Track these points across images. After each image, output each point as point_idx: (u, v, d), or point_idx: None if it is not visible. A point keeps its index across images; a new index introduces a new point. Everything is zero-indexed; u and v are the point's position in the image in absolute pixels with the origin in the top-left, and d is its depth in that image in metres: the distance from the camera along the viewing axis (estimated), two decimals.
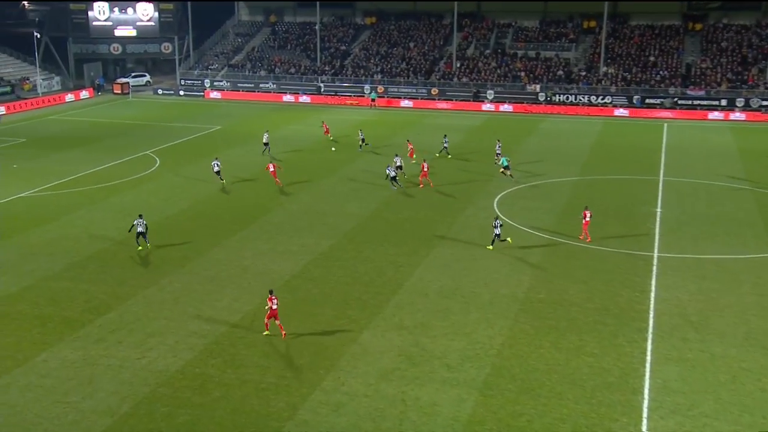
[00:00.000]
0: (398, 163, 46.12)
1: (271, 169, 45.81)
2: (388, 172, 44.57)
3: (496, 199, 42.93)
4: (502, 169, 46.43)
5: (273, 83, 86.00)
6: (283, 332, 26.61)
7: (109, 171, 50.34)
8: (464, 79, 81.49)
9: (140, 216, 35.33)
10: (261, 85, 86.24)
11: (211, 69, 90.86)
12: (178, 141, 60.40)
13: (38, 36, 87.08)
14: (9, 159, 53.60)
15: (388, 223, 38.75)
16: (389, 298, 29.75)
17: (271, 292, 26.61)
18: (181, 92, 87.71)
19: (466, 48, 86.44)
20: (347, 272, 32.34)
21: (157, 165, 52.09)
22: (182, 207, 42.02)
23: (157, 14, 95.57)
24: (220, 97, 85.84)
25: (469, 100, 79.14)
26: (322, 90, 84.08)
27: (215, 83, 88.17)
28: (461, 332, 27.03)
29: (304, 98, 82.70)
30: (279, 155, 54.29)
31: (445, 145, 53.51)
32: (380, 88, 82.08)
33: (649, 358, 25.32)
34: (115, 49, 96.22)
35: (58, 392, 23.26)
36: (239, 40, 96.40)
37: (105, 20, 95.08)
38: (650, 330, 27.19)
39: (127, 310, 28.78)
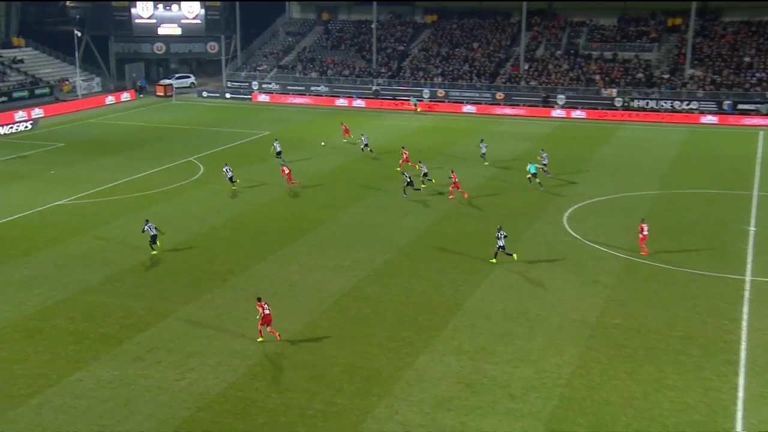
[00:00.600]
0: (424, 170, 47.15)
1: (286, 171, 47.44)
2: (405, 177, 45.20)
3: (566, 214, 42.50)
4: (529, 176, 47.29)
5: (325, 86, 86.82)
6: (278, 335, 27.81)
7: (150, 178, 51.22)
8: (532, 83, 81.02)
9: (147, 221, 36.89)
10: (312, 88, 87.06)
11: (259, 70, 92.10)
12: (224, 147, 61.23)
13: (79, 34, 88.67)
14: (47, 164, 55.06)
15: (447, 238, 38.66)
16: (448, 320, 29.64)
17: (259, 299, 28.18)
18: (227, 95, 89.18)
19: (535, 49, 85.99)
20: (402, 291, 32.33)
21: (200, 172, 52.77)
22: (226, 217, 42.47)
23: (203, 12, 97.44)
24: (268, 100, 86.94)
25: (537, 106, 78.65)
26: (378, 93, 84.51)
27: (263, 85, 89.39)
28: (526, 359, 26.78)
29: (359, 102, 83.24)
30: (330, 163, 54.74)
31: (483, 151, 53.87)
32: (440, 92, 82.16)
33: (741, 395, 24.67)
34: (159, 48, 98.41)
35: (93, 414, 23.63)
36: (290, 39, 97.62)
37: (148, 18, 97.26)
38: (742, 363, 26.50)
39: (167, 327, 29.16)
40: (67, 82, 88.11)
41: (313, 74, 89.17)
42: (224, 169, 48.18)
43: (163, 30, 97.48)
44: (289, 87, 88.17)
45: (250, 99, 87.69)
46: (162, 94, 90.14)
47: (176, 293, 32.24)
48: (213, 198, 46.41)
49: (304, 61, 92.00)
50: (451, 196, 45.08)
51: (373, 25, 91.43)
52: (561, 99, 78.52)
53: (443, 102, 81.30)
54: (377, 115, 76.80)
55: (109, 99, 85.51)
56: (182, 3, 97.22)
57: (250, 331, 28.68)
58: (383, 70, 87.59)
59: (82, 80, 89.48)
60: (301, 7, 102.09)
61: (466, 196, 45.28)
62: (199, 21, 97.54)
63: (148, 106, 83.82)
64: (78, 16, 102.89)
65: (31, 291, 32.57)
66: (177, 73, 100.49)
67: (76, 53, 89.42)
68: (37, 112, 75.53)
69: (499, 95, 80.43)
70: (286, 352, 27.21)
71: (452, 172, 46.03)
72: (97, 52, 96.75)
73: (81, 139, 65.05)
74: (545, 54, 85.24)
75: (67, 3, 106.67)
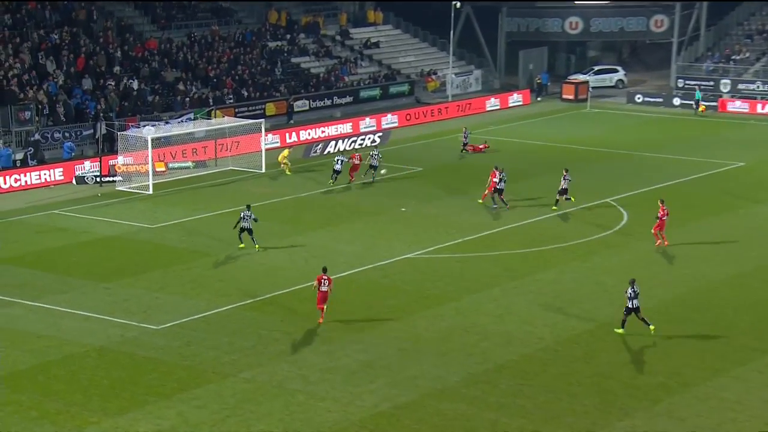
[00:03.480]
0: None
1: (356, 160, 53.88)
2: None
3: None
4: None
5: None
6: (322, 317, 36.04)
7: (543, 227, 51.83)
8: None
9: (248, 207, 43.59)
10: None
11: (734, 62, 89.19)
12: (665, 184, 60.62)
13: (458, 5, 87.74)
14: (396, 197, 57.47)
15: None
16: None
17: (324, 270, 36.30)
18: (676, 101, 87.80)
19: None
20: None
21: (623, 222, 52.73)
22: (657, 299, 41.54)
23: None
24: (747, 110, 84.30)
25: None
26: None
27: (740, 86, 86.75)
28: None
29: None
30: None
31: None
32: None
33: None
34: (573, 25, 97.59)
35: None
36: None
37: None
38: None
39: None
40: (434, 77, 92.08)
41: None
42: (242, 215, 47.20)
43: None
44: None
45: (716, 108, 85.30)
46: (571, 96, 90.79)
47: (576, 411, 31.84)
48: (640, 265, 45.78)
49: None
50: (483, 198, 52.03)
51: None
52: None
53: None
54: None
55: (492, 102, 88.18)
56: None
57: None
58: None
59: (455, 74, 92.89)
60: None
61: (665, 243, 47.17)
62: None
63: (549, 116, 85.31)
64: None
65: (364, 385, 33.60)
66: (597, 64, 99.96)
67: (451, 33, 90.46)
68: (390, 121, 79.75)
69: None
70: None
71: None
72: (480, 31, 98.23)
73: (446, 161, 67.41)
74: None
75: None
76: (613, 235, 50.80)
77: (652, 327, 37.66)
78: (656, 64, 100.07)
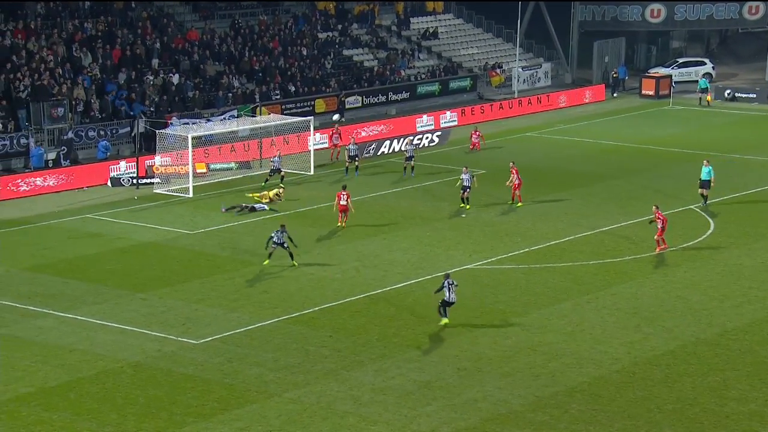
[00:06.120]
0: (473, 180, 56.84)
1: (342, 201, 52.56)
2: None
3: None
4: None
5: None
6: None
7: (618, 236, 51.62)
8: None
9: (282, 227, 45.96)
10: None
11: None
12: (756, 189, 60.85)
13: None
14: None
15: None
16: None
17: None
18: None
19: None
20: None
21: (709, 232, 52.52)
22: (752, 316, 41.40)
23: None
24: None
25: None
26: None
27: None
28: None
29: None
30: None
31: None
32: None
33: None
34: (655, 13, 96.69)
35: None
36: None
37: None
38: None
39: None
40: (498, 71, 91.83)
41: None
42: (272, 235, 46.58)
43: None
44: None
45: None
46: (651, 92, 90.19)
47: None
48: (729, 279, 45.65)
49: None
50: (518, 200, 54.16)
51: None
52: None
53: None
54: None
55: (562, 99, 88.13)
56: None
57: None
58: None
59: (522, 68, 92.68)
60: None
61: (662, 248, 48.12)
62: None
63: (627, 113, 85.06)
64: None
65: (420, 407, 33.49)
66: (682, 56, 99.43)
67: (518, 23, 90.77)
68: (449, 118, 79.78)
69: None
70: None
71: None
72: (550, 21, 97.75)
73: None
74: None
75: None
76: (698, 245, 50.39)
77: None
78: (750, 56, 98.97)
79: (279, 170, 61.37)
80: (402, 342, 38.71)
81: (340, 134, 68.32)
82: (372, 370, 36.26)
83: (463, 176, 55.91)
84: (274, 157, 61.95)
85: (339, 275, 46.01)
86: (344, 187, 52.08)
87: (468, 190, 55.84)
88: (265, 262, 46.56)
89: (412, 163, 63.68)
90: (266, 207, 55.36)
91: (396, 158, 68.02)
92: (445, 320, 39.90)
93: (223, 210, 55.37)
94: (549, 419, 32.79)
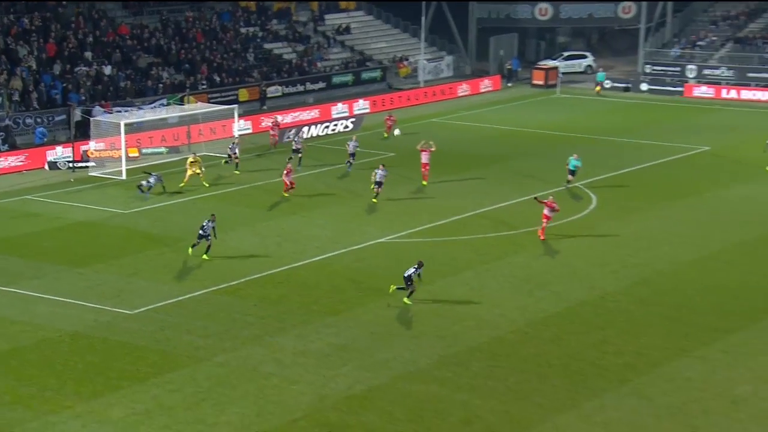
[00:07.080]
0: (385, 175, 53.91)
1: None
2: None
3: None
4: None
5: None
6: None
7: (514, 211, 52.16)
8: None
9: (212, 216, 44.47)
10: None
11: (699, 46, 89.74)
12: (632, 168, 61.19)
13: None
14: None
15: None
16: None
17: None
18: (644, 86, 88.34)
19: None
20: None
21: (591, 206, 53.14)
22: (627, 281, 42.35)
23: None
24: (712, 94, 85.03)
25: None
26: None
27: (705, 72, 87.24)
28: None
29: None
30: None
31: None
32: None
33: None
34: (543, 12, 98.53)
35: None
36: None
37: None
38: None
39: None
40: (405, 63, 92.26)
41: None
42: (204, 225, 44.61)
43: None
44: (749, 75, 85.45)
45: (681, 93, 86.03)
46: (541, 82, 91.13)
47: (545, 392, 32.18)
48: (608, 248, 46.42)
49: None
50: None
51: None
52: None
53: None
54: None
55: (463, 88, 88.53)
56: None
57: None
58: None
59: (427, 60, 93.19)
60: None
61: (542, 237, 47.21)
62: None
63: (520, 101, 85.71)
64: None
65: (336, 368, 33.91)
66: (567, 50, 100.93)
67: (422, 20, 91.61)
68: (361, 106, 79.89)
69: None
70: None
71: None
72: (451, 18, 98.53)
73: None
74: None
75: None
76: (583, 218, 51.11)
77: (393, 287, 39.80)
78: (625, 50, 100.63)
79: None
80: (321, 309, 38.99)
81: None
82: (293, 335, 36.54)
83: (378, 171, 53.73)
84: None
85: (262, 250, 46.19)
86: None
87: (380, 186, 53.56)
88: (189, 251, 44.90)
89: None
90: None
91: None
92: (393, 287, 40.01)
93: (147, 197, 54.51)
94: (452, 375, 33.31)
